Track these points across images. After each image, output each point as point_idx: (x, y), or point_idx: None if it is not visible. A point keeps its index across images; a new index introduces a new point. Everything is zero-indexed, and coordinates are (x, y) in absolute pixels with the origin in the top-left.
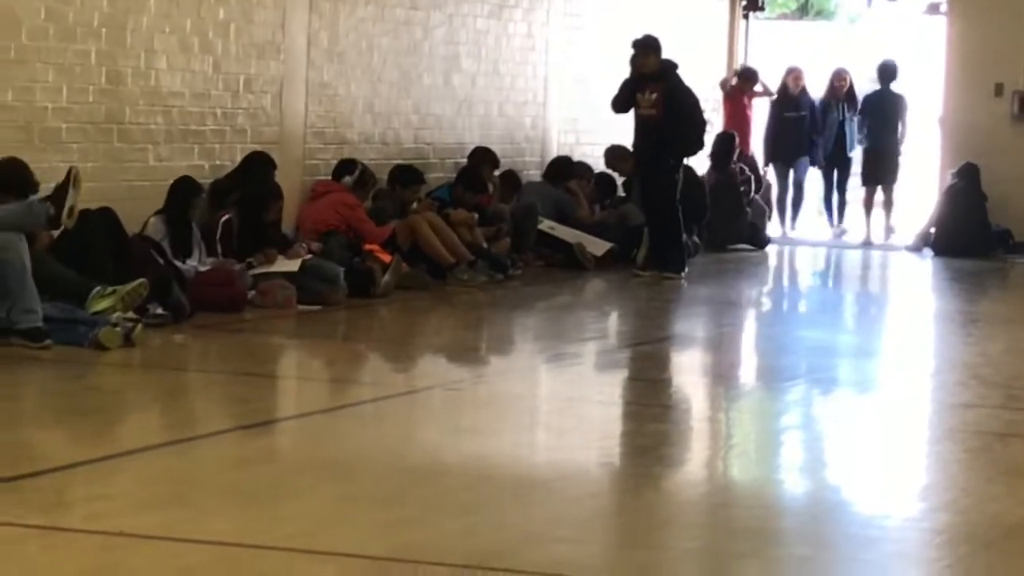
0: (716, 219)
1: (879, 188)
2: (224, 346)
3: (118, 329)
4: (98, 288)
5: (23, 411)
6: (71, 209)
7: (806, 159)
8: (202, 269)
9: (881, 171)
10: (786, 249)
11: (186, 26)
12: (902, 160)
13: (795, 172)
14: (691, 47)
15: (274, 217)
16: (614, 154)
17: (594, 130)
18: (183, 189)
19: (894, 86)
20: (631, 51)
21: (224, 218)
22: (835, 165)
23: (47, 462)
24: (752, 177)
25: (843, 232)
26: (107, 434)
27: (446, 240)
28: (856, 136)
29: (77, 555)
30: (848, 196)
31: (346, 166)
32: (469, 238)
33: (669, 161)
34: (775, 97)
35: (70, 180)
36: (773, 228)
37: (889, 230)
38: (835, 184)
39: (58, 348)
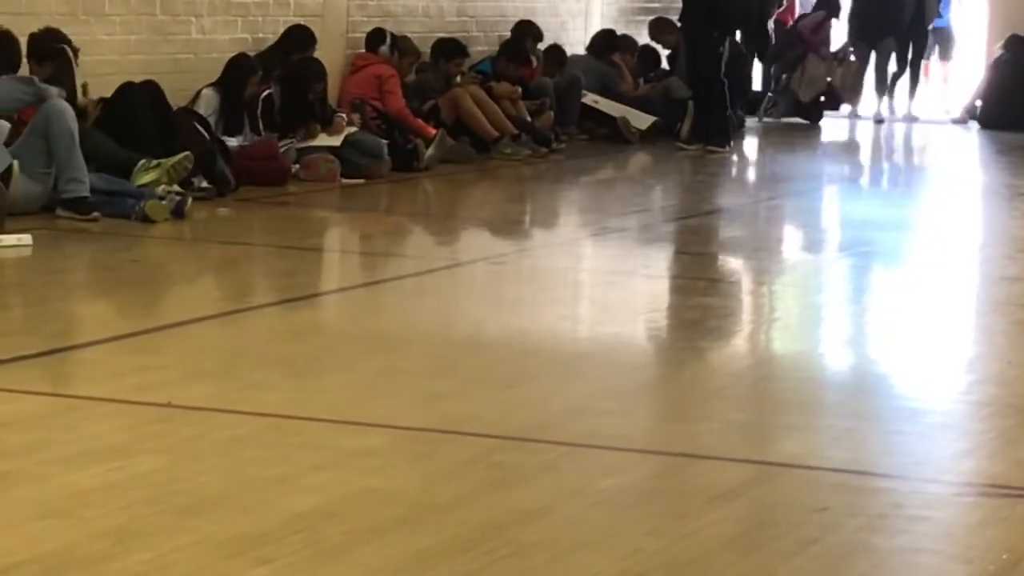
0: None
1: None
2: (268, 219)
3: (164, 202)
4: (143, 161)
5: (71, 283)
6: (84, 87)
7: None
8: (244, 143)
9: (943, 48)
10: (832, 123)
11: None
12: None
13: (879, 54)
14: None
15: (318, 96)
16: (658, 27)
17: (635, 2)
18: (240, 67)
19: None
20: None
21: (265, 93)
22: (911, 39)
23: (96, 334)
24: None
25: (880, 118)
26: (154, 306)
27: (490, 114)
28: (935, 7)
29: (126, 426)
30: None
31: (377, 37)
32: (513, 112)
33: (714, 34)
34: None
35: (71, 60)
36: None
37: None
38: (908, 61)
39: (105, 221)
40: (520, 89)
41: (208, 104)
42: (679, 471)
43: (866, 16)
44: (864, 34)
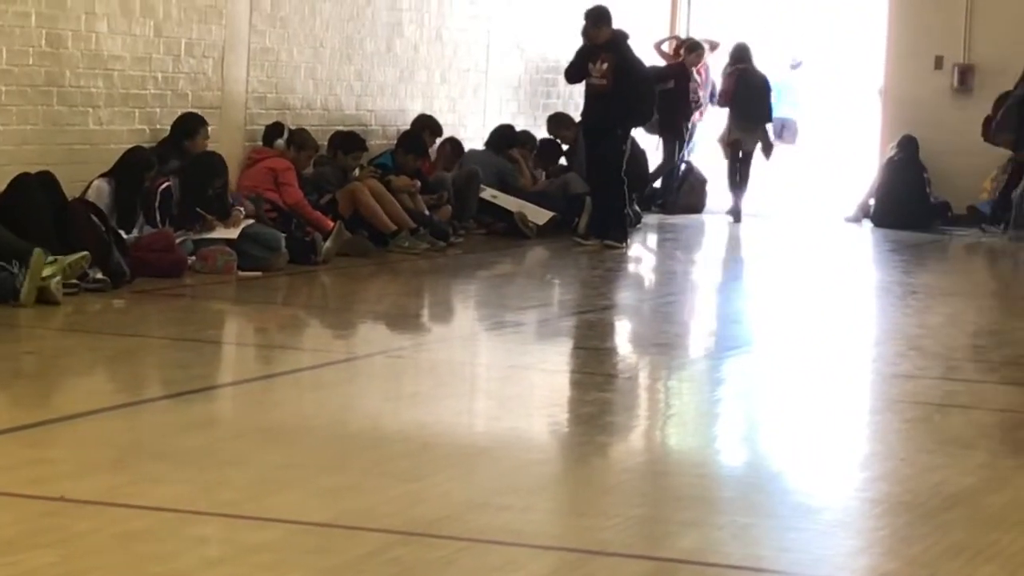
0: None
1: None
2: (164, 311)
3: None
4: (39, 251)
5: None
6: None
7: None
8: (139, 235)
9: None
10: (728, 220)
11: None
12: None
13: None
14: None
15: (217, 190)
16: (558, 122)
17: (534, 98)
18: (137, 162)
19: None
20: (583, 22)
21: (163, 186)
22: None
23: None
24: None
25: None
26: (47, 399)
27: (388, 207)
28: None
29: (17, 519)
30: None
31: (274, 131)
32: (411, 205)
33: (617, 131)
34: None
35: None
36: None
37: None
38: None
39: None
40: (419, 183)
41: (98, 196)
42: (577, 567)
43: None
44: None
